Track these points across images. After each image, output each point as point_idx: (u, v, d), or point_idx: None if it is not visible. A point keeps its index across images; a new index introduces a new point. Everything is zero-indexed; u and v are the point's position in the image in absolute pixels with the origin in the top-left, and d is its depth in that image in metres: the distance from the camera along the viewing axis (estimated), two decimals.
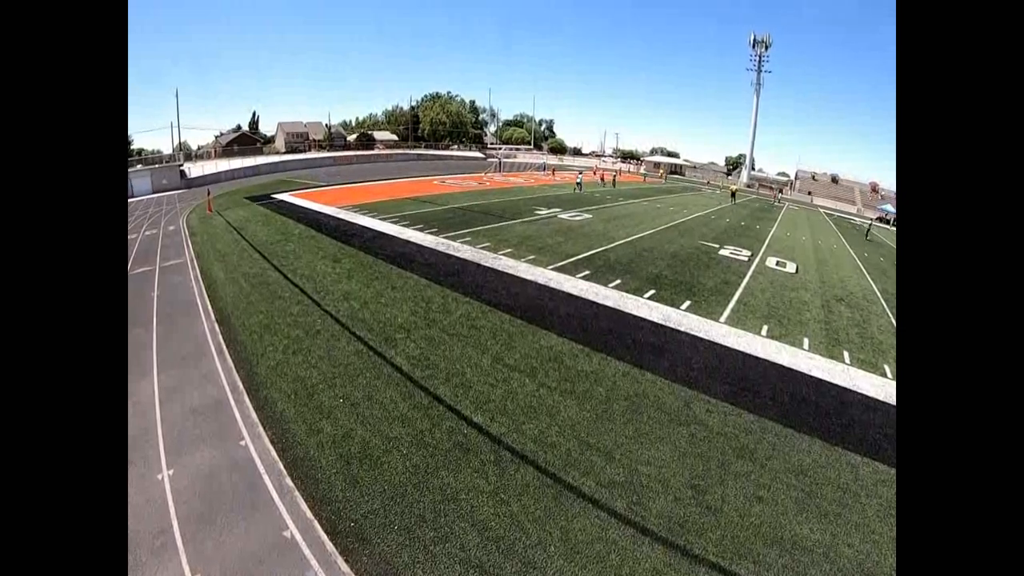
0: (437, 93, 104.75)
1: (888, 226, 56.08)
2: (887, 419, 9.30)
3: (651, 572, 5.76)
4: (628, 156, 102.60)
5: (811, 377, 10.74)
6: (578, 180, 46.94)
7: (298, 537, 6.19)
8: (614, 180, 56.34)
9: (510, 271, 16.79)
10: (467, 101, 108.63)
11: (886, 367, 11.70)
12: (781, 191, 72.87)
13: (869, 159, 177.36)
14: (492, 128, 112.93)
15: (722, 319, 13.80)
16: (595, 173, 64.37)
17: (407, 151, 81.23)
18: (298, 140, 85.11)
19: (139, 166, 42.79)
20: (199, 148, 69.88)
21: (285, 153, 72.60)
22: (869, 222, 51.28)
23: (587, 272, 17.24)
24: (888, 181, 75.96)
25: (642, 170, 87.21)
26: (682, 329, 12.78)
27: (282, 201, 30.58)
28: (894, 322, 15.66)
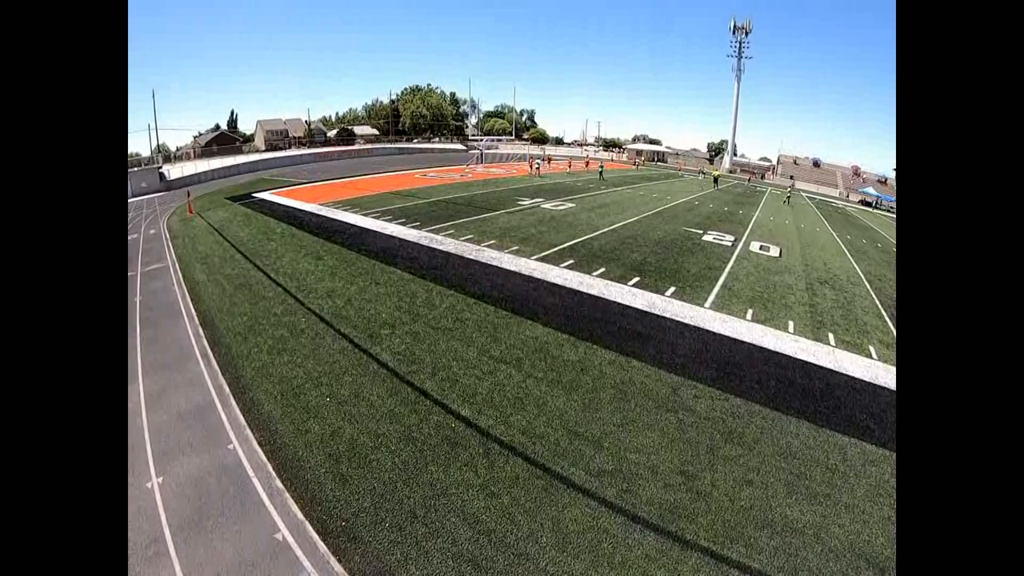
0: (417, 86, 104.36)
1: (871, 209, 56.74)
2: (874, 400, 9.42)
3: (643, 559, 5.80)
4: (611, 144, 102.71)
5: (797, 360, 10.83)
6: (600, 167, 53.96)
7: (290, 539, 6.15)
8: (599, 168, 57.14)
9: (494, 263, 16.75)
10: (447, 93, 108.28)
11: (871, 348, 11.84)
12: (766, 173, 73.41)
13: (851, 143, 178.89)
14: (473, 120, 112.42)
15: (707, 304, 13.88)
16: (586, 163, 64.99)
17: (388, 145, 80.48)
18: (278, 138, 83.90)
19: None
20: (178, 149, 68.91)
21: (265, 151, 71.51)
22: (789, 189, 54.02)
23: (571, 261, 17.25)
24: (869, 164, 76.94)
25: (624, 157, 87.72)
26: (667, 315, 12.83)
27: (263, 200, 30.22)
28: (878, 303, 15.85)
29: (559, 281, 15.10)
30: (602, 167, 53.50)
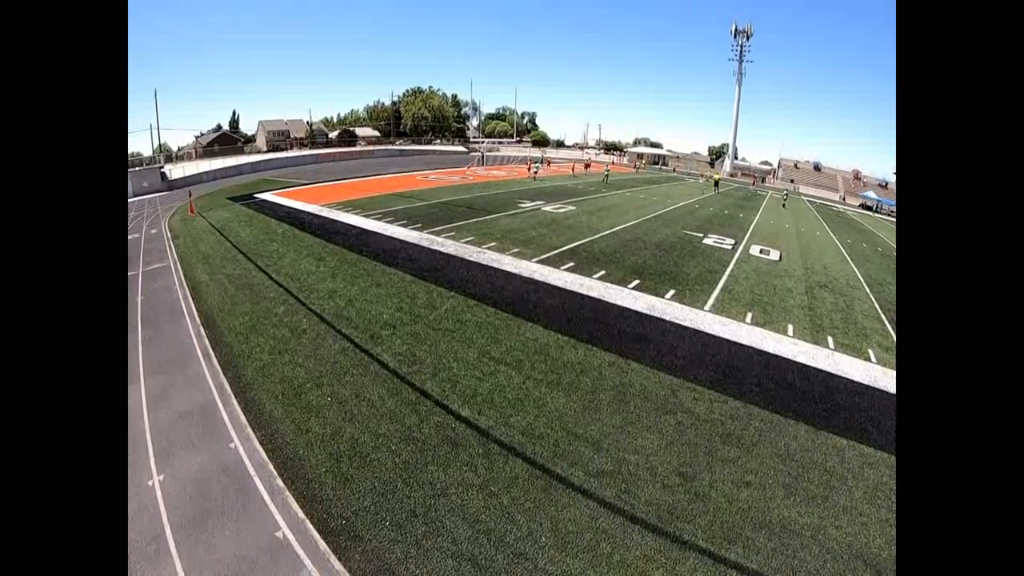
0: (419, 87, 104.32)
1: (872, 213, 56.79)
2: (872, 403, 9.46)
3: (642, 559, 5.83)
4: (612, 147, 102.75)
5: (796, 363, 10.87)
6: (605, 171, 54.18)
7: (290, 537, 6.19)
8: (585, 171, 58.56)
9: (495, 265, 16.79)
10: (449, 95, 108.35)
11: (870, 351, 11.88)
12: (767, 176, 73.52)
13: (852, 146, 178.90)
14: (474, 122, 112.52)
15: (706, 307, 13.92)
16: (586, 165, 64.92)
17: (389, 147, 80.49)
18: (279, 138, 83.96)
19: None
20: (179, 149, 68.85)
21: (267, 152, 71.53)
22: (785, 192, 55.80)
23: (571, 264, 17.29)
24: (869, 168, 77.04)
25: (625, 160, 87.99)
26: (667, 318, 12.87)
27: (264, 201, 30.26)
28: (878, 307, 15.89)
29: (559, 283, 15.14)
30: (607, 171, 53.50)
